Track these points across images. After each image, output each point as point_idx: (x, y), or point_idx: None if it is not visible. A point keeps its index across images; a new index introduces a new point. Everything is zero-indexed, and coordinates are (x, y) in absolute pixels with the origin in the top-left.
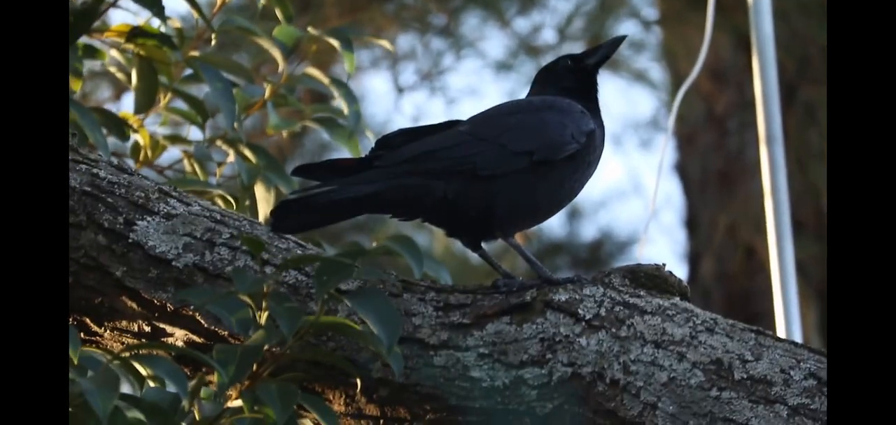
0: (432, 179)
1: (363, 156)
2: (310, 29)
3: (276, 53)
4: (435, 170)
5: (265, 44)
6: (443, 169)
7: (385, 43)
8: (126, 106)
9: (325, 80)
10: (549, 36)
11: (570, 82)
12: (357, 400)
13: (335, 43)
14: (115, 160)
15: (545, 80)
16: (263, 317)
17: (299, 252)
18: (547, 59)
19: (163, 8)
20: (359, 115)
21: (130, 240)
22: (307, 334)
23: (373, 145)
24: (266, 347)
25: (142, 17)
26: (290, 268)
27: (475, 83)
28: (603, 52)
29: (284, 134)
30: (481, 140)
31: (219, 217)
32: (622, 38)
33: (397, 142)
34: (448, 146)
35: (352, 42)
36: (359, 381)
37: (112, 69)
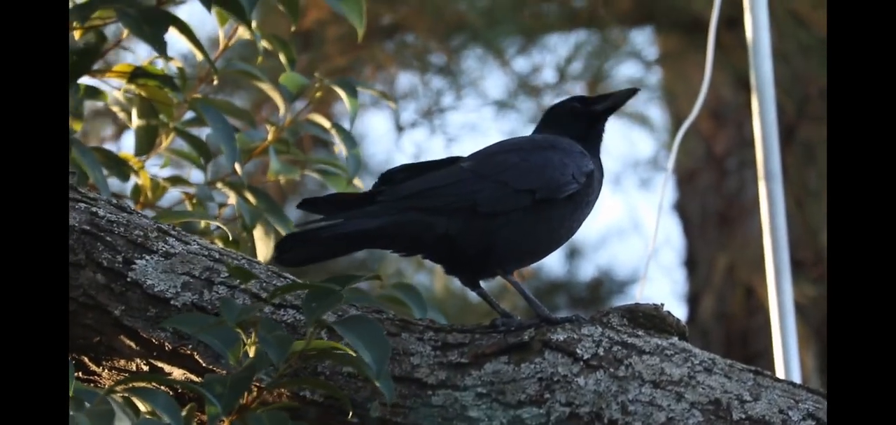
0: (434, 216)
1: (366, 191)
2: (316, 74)
3: (278, 99)
4: (436, 207)
5: (268, 89)
6: (444, 205)
7: (391, 103)
8: (126, 144)
9: (327, 125)
10: (548, 76)
11: (576, 124)
12: None
13: (341, 91)
14: (114, 200)
15: (552, 120)
16: (253, 347)
17: (287, 282)
18: (547, 99)
19: (165, 45)
20: (359, 160)
21: (129, 279)
22: (297, 362)
23: (376, 181)
24: (256, 377)
25: (144, 57)
26: (280, 296)
27: (475, 121)
28: (613, 101)
29: (281, 180)
30: (483, 177)
31: (217, 256)
32: (635, 90)
33: (400, 178)
34: (450, 183)
35: (357, 90)
36: (350, 412)
37: (114, 108)
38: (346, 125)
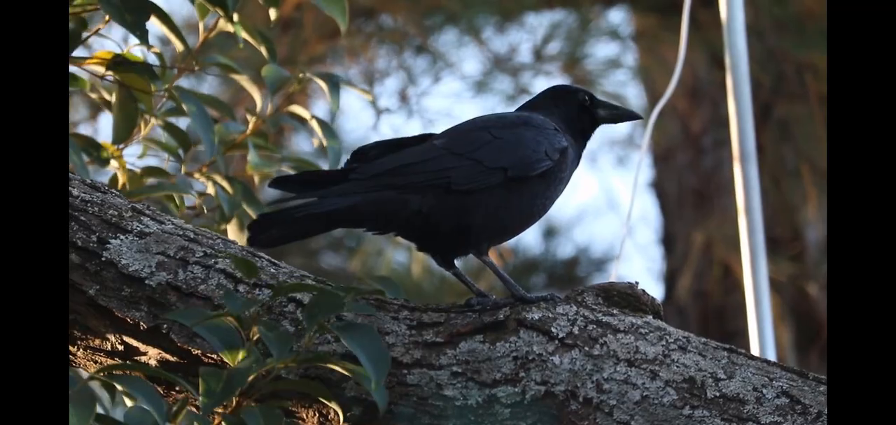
0: (407, 193)
1: (339, 168)
2: (299, 73)
3: (257, 94)
4: (410, 184)
5: (246, 83)
6: (418, 183)
7: (369, 96)
8: (102, 126)
9: (307, 116)
10: (525, 56)
11: (574, 114)
12: (330, 419)
13: (323, 85)
14: (88, 180)
15: (550, 100)
16: (252, 342)
17: (272, 270)
18: (524, 79)
19: (147, 33)
20: (339, 154)
21: (104, 259)
22: (295, 365)
23: (349, 157)
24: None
25: (123, 44)
26: (285, 294)
27: (452, 103)
28: (616, 114)
29: (256, 177)
30: (456, 155)
31: (192, 236)
32: (639, 116)
33: (373, 155)
34: (423, 160)
35: (339, 86)
36: (340, 413)
37: (92, 95)
38: (327, 116)
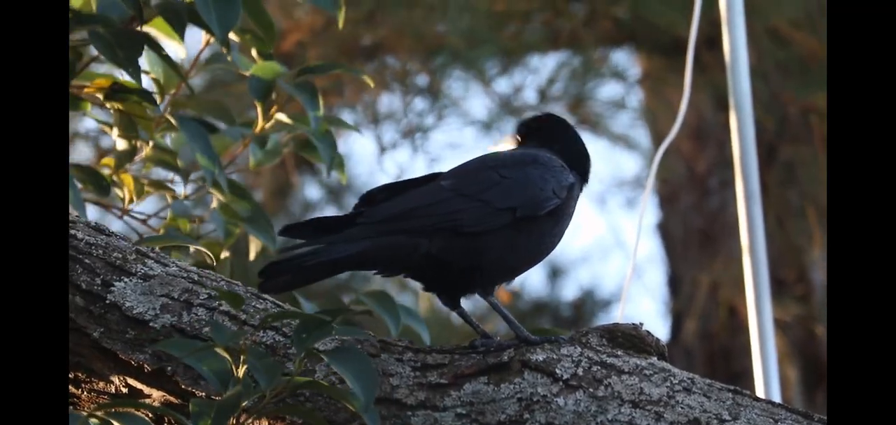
0: (416, 237)
1: (347, 213)
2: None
3: (259, 108)
4: (419, 228)
5: (244, 72)
6: (427, 226)
7: (368, 79)
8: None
9: (303, 127)
10: (530, 96)
11: (570, 146)
12: None
13: (299, 94)
14: (92, 221)
15: (552, 131)
16: (241, 372)
17: (276, 310)
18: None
19: (140, 70)
20: (338, 158)
21: (108, 301)
22: (284, 392)
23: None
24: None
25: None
26: (269, 325)
27: (457, 140)
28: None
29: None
30: (464, 196)
31: (196, 277)
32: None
33: (380, 198)
34: (431, 203)
35: (317, 94)
36: None
37: (93, 117)
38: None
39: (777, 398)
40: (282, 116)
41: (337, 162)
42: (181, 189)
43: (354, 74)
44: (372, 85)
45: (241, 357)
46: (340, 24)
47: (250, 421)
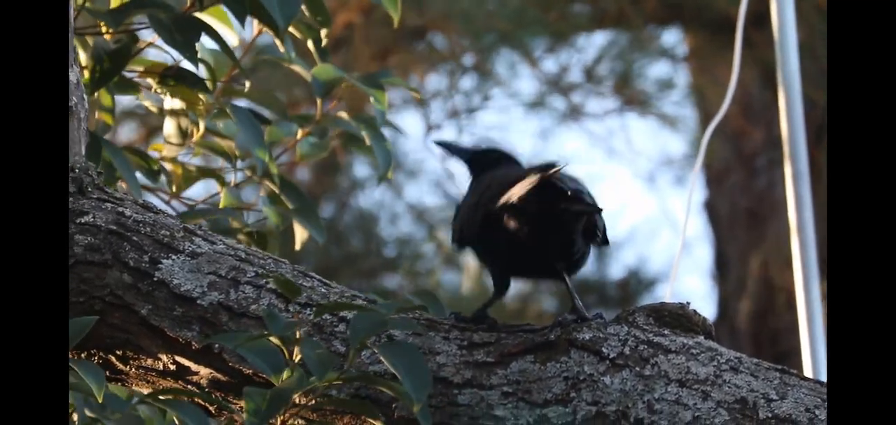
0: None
1: None
2: (347, 76)
3: (309, 83)
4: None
5: (299, 70)
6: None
7: (416, 93)
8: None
9: (355, 124)
10: (576, 75)
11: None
12: None
13: (365, 88)
14: (140, 200)
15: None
16: (296, 358)
17: (323, 290)
18: (576, 97)
19: (197, 54)
20: (389, 155)
21: (156, 279)
22: (336, 383)
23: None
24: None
25: (173, 56)
26: (326, 313)
27: (505, 121)
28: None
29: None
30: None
31: (243, 255)
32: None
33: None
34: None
35: (384, 87)
36: None
37: (146, 103)
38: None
39: (824, 377)
40: (343, 114)
41: (388, 169)
42: (231, 177)
43: (406, 88)
44: (419, 98)
45: (295, 348)
46: (396, 23)
47: (299, 411)
